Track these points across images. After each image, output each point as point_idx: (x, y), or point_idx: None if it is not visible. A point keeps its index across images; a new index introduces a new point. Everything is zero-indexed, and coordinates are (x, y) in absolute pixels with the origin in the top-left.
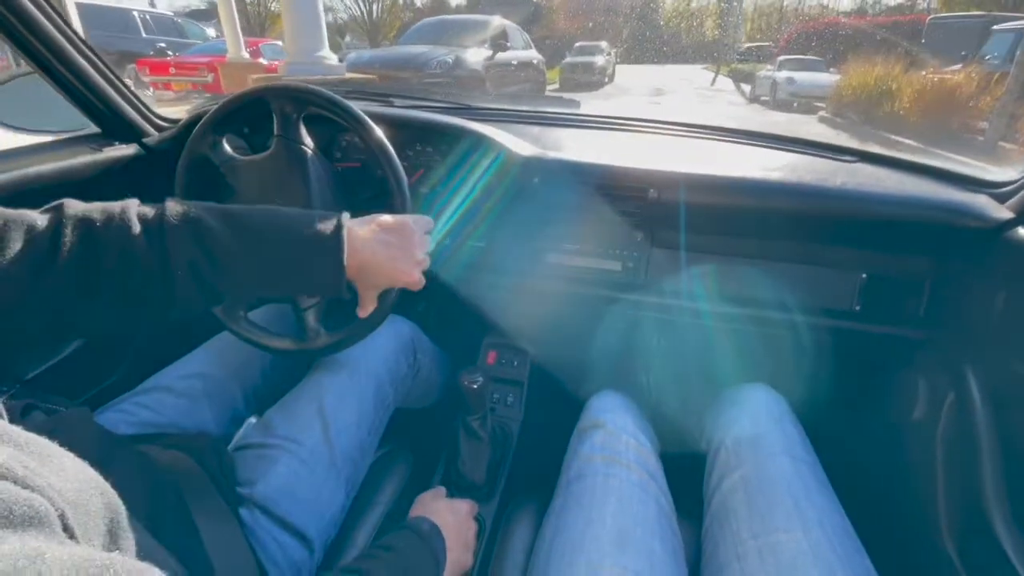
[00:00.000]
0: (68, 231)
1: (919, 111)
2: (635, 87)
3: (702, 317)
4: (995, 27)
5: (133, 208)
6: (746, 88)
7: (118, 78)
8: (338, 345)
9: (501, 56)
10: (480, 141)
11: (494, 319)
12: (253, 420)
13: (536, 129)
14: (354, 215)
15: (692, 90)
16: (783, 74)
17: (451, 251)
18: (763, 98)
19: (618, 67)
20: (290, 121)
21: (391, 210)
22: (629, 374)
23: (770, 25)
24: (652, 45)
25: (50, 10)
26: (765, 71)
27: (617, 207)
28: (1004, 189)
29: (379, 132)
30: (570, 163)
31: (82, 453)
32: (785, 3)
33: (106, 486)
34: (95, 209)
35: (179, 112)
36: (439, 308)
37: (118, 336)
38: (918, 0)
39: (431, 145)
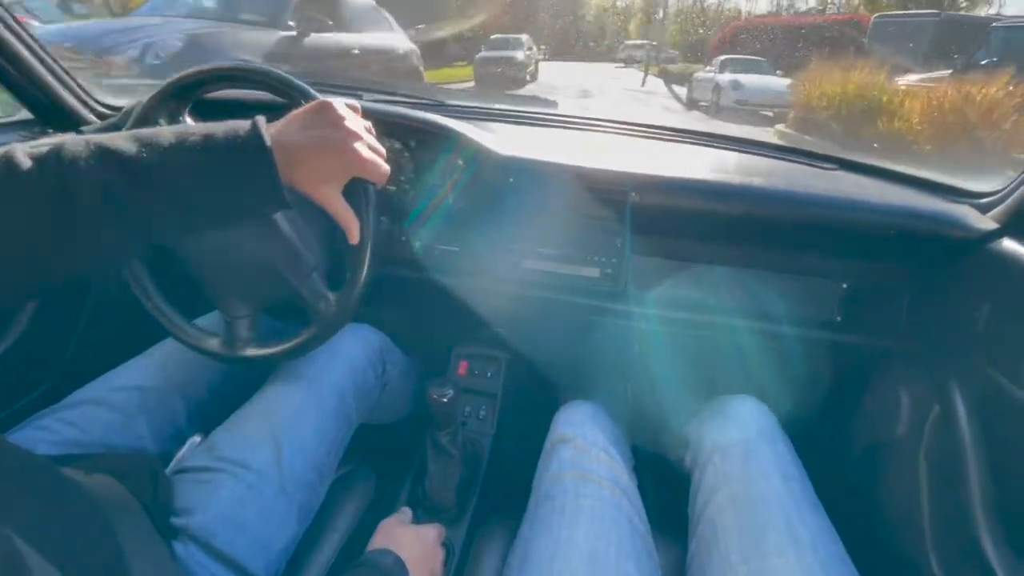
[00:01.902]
0: None
1: (934, 130)
2: (562, 86)
3: (682, 326)
4: (995, 24)
5: (19, 149)
6: (681, 91)
7: (56, 62)
8: (296, 351)
9: (318, 39)
10: (454, 138)
11: (467, 327)
12: (197, 439)
13: (512, 128)
14: None
15: (621, 91)
16: (726, 77)
17: (422, 254)
18: (702, 103)
19: (544, 64)
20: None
21: (359, 253)
22: (607, 383)
23: (694, 26)
24: (579, 42)
25: None
26: (703, 72)
27: (596, 211)
28: (986, 199)
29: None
30: (549, 164)
31: None
32: (706, 3)
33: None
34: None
35: (126, 101)
36: (409, 315)
37: (43, 343)
38: (829, 2)
39: (400, 141)
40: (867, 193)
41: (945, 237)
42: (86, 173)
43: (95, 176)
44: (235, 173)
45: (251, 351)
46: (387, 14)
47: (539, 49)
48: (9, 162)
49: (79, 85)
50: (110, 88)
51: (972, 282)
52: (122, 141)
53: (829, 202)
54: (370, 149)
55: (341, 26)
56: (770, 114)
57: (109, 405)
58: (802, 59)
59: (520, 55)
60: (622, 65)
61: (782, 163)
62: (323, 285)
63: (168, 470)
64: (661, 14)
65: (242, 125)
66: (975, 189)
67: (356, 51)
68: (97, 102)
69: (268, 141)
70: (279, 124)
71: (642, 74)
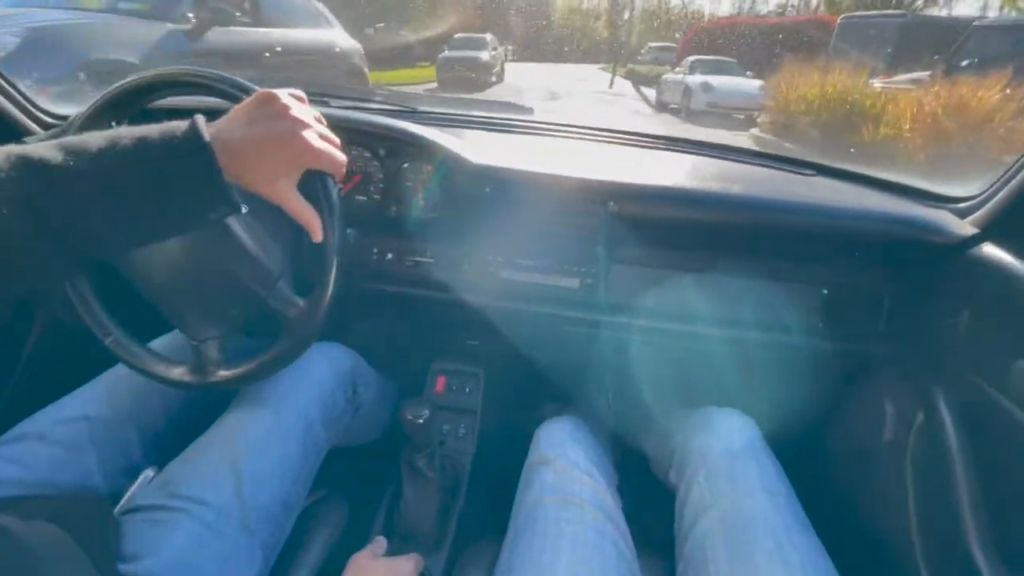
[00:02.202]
0: None
1: (925, 137)
2: (528, 88)
3: (664, 336)
4: (976, 24)
5: None
6: (649, 93)
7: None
8: (256, 374)
9: (223, 34)
10: (426, 146)
11: (444, 341)
12: (150, 473)
13: (487, 135)
14: None
15: (590, 93)
16: (696, 79)
17: (394, 267)
18: (672, 106)
19: (510, 65)
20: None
21: (326, 254)
22: (588, 396)
23: (659, 27)
24: (546, 43)
25: None
26: (672, 74)
27: (574, 220)
28: (965, 204)
29: (336, 228)
30: (525, 173)
31: None
32: (671, 4)
33: None
34: None
35: (73, 109)
36: (383, 331)
37: None
38: (789, 3)
39: (369, 150)
40: (845, 199)
41: (924, 243)
42: (5, 185)
43: (16, 188)
44: (172, 174)
45: (223, 373)
46: (322, 7)
47: (507, 50)
48: None
49: (21, 93)
50: None
51: (952, 287)
52: (45, 149)
53: (807, 209)
54: (321, 138)
55: (256, 19)
56: (742, 117)
57: (54, 439)
58: (771, 60)
59: (485, 55)
60: (596, 66)
61: (760, 169)
62: (291, 292)
63: (118, 509)
64: (627, 15)
65: (179, 125)
66: (953, 194)
67: (278, 49)
68: (41, 111)
69: (207, 138)
70: (220, 121)
71: (609, 75)
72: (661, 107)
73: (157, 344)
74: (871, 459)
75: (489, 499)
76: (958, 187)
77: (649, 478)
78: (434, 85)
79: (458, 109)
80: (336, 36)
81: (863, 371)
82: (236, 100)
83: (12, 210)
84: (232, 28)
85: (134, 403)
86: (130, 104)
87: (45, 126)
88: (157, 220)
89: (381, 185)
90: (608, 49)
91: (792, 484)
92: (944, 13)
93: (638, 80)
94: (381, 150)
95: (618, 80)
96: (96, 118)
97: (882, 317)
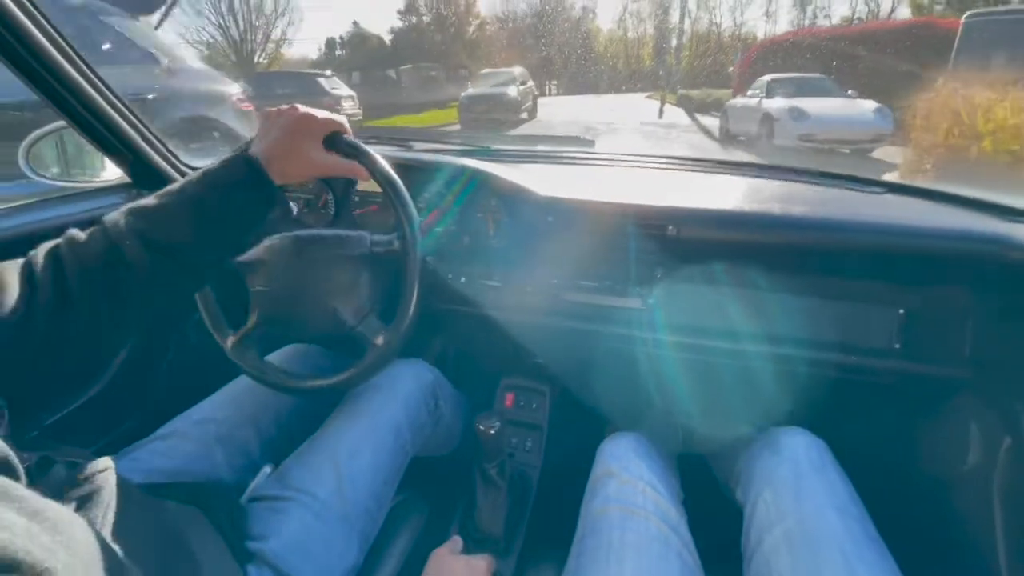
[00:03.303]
0: (47, 266)
1: None
2: (563, 124)
3: (728, 356)
4: None
5: (76, 231)
6: (709, 122)
7: (147, 127)
8: (366, 373)
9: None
10: (495, 182)
11: (512, 359)
12: (268, 469)
13: (551, 168)
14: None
15: (637, 124)
16: (780, 103)
17: (468, 290)
18: (741, 138)
19: (550, 100)
20: None
21: (403, 243)
22: (653, 415)
23: (708, 51)
24: (587, 75)
25: (79, 62)
26: (742, 99)
27: (635, 244)
28: None
29: (384, 163)
30: (585, 202)
31: (98, 514)
32: (723, 27)
33: (113, 557)
34: (63, 238)
35: (208, 162)
36: (457, 349)
37: (133, 381)
38: (856, 14)
39: (447, 188)
40: (918, 216)
41: (1007, 260)
42: (125, 230)
43: (132, 228)
44: (234, 188)
45: (317, 382)
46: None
47: (550, 84)
48: (71, 238)
49: (167, 148)
50: None
51: None
52: (145, 199)
53: (878, 228)
54: (313, 112)
55: None
56: (847, 151)
57: (190, 437)
58: (869, 74)
59: (512, 91)
60: (643, 94)
61: (828, 190)
62: (379, 322)
63: (243, 497)
64: (675, 41)
65: (233, 155)
66: None
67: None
68: (184, 164)
69: (249, 149)
70: (253, 145)
71: (657, 104)
72: (728, 139)
73: (271, 357)
74: (955, 485)
75: (556, 509)
76: None
77: (716, 496)
78: (458, 127)
79: (525, 146)
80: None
81: (946, 395)
82: None
83: (133, 246)
84: None
85: (254, 409)
86: None
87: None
88: (232, 226)
89: (457, 218)
90: (654, 76)
91: (868, 506)
92: None
93: (691, 107)
94: (457, 187)
95: (668, 108)
96: None
97: (967, 339)
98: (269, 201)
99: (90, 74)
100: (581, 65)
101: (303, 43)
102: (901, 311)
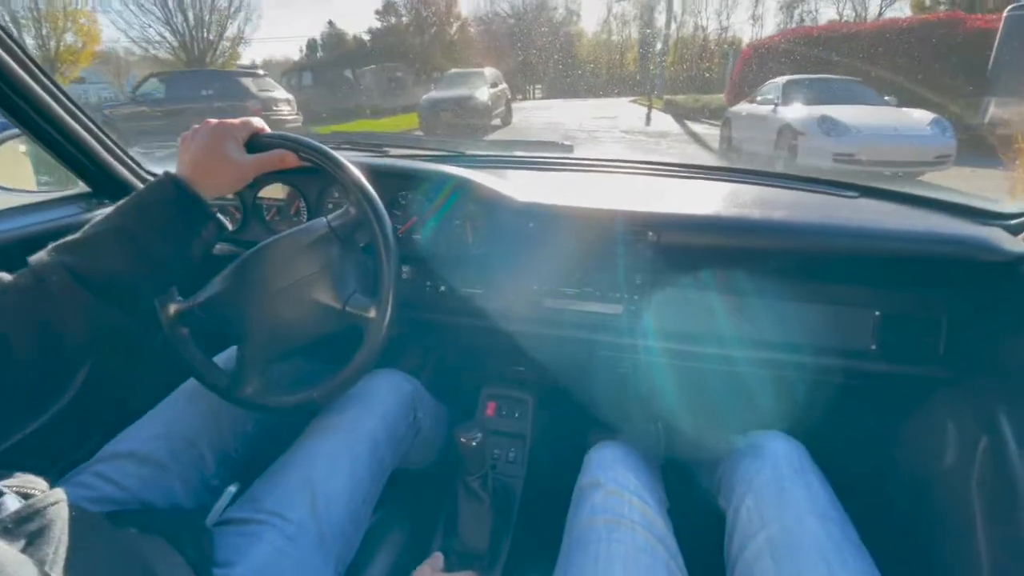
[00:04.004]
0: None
1: None
2: (540, 131)
3: (709, 361)
4: None
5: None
6: (703, 131)
7: (108, 136)
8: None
9: None
10: (473, 188)
11: (493, 368)
12: (232, 489)
13: (530, 174)
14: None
15: (620, 134)
16: (802, 111)
17: (447, 299)
18: (750, 152)
19: (530, 104)
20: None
21: (359, 207)
22: (636, 422)
23: (691, 55)
24: (569, 78)
25: (35, 69)
26: (748, 105)
27: (615, 250)
28: (1016, 220)
29: (352, 168)
30: (565, 208)
31: (49, 552)
32: (708, 31)
33: None
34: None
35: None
36: (436, 359)
37: (89, 404)
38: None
39: (423, 193)
40: (891, 220)
41: (976, 261)
42: (49, 264)
43: (57, 264)
44: (160, 210)
45: (313, 393)
46: None
47: (534, 88)
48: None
49: (128, 155)
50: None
51: (1010, 306)
52: (73, 233)
53: (852, 232)
54: (227, 120)
55: None
56: (887, 174)
57: (141, 458)
58: (902, 74)
59: (481, 94)
60: (626, 99)
61: (803, 194)
62: (366, 299)
63: (210, 521)
64: (659, 45)
65: (157, 178)
66: (1003, 211)
67: None
68: (148, 172)
69: (174, 171)
70: (178, 166)
71: (644, 110)
72: (732, 153)
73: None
74: (933, 485)
75: (541, 521)
76: (1007, 202)
77: (699, 503)
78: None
79: (502, 151)
80: None
81: (923, 395)
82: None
83: (60, 277)
84: None
85: (202, 420)
86: None
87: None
88: (161, 247)
89: (435, 224)
90: (639, 80)
91: (849, 509)
92: None
93: (679, 113)
94: (434, 193)
95: (656, 114)
96: None
97: (941, 339)
98: (199, 218)
99: (46, 81)
100: (563, 69)
101: (288, 43)
102: (877, 313)
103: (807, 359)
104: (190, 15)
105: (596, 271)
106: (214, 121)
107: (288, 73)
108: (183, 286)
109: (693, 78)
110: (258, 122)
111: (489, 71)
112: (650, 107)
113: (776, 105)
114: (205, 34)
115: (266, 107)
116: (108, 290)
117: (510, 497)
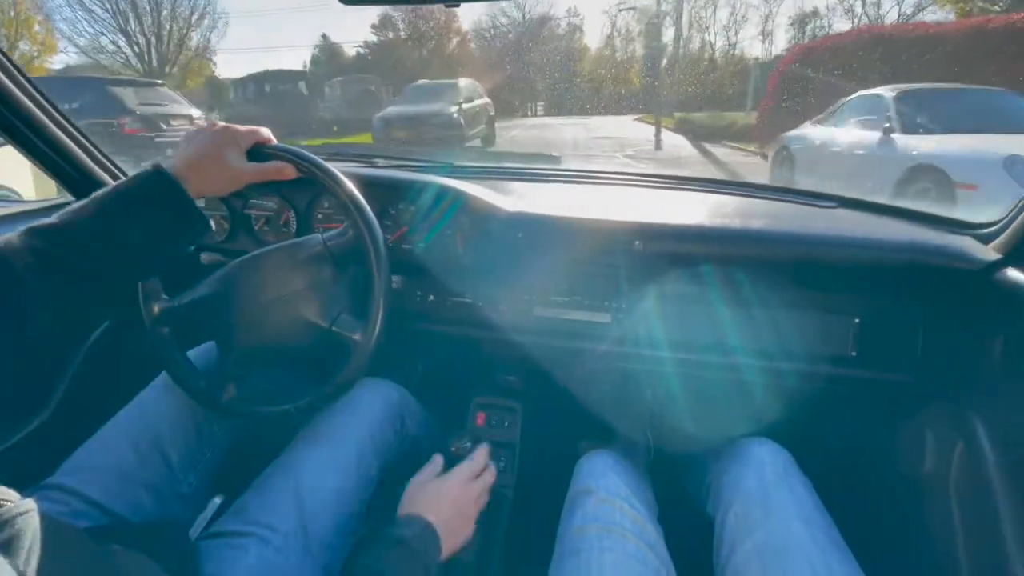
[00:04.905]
0: None
1: None
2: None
3: (696, 368)
4: None
5: None
6: (730, 158)
7: (93, 144)
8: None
9: None
10: (462, 199)
11: (483, 377)
12: (217, 501)
13: (518, 185)
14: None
15: (624, 158)
16: (953, 143)
17: (437, 308)
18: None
19: (531, 121)
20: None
21: (356, 229)
22: (626, 429)
23: (697, 74)
24: (569, 95)
25: (20, 77)
26: (824, 129)
27: (603, 259)
28: (987, 230)
29: (350, 185)
30: (553, 218)
31: (19, 562)
32: (717, 48)
33: None
34: None
35: None
36: (426, 368)
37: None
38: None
39: (413, 204)
40: (867, 229)
41: (948, 269)
42: (17, 246)
43: (24, 245)
44: (139, 198)
45: (296, 402)
46: None
47: (536, 106)
48: None
49: (110, 161)
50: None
51: (983, 314)
52: (47, 217)
53: (828, 241)
54: (234, 125)
55: None
56: None
57: (103, 470)
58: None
59: (450, 109)
60: (630, 117)
61: (782, 204)
62: (354, 320)
63: (193, 534)
64: (665, 62)
65: (145, 169)
66: (975, 220)
67: None
68: (119, 170)
69: (167, 170)
70: (171, 161)
71: (651, 129)
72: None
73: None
74: (912, 489)
75: (531, 529)
76: (980, 213)
77: (688, 509)
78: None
79: (492, 163)
80: None
81: (901, 400)
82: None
83: (27, 261)
84: None
85: (170, 424)
86: None
87: None
88: (137, 237)
89: (425, 235)
90: (644, 96)
91: (831, 512)
92: None
93: (697, 133)
94: (424, 204)
95: (667, 135)
96: None
97: (918, 345)
98: (183, 212)
99: (28, 87)
100: (565, 86)
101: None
102: (856, 320)
103: (790, 365)
104: (146, 21)
105: (584, 280)
106: (221, 124)
107: (235, 83)
108: (168, 286)
109: (709, 96)
110: (265, 132)
111: (465, 83)
112: (658, 126)
113: (890, 130)
114: (162, 44)
115: (150, 126)
116: (77, 277)
117: (500, 505)
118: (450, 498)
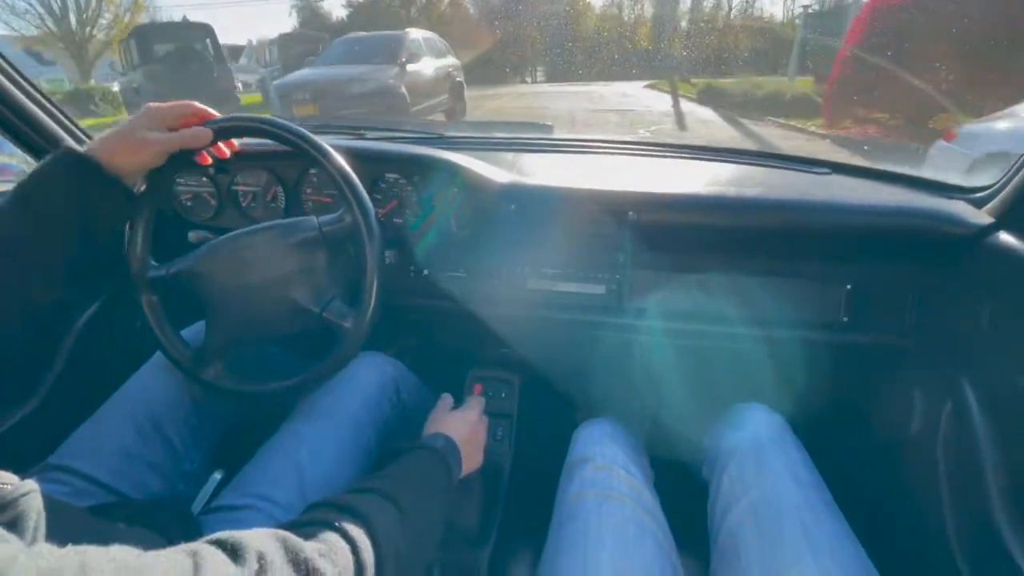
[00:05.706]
0: None
1: None
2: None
3: (690, 337)
4: None
5: None
6: (771, 134)
7: (58, 109)
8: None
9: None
10: (453, 170)
11: (479, 350)
12: (218, 476)
13: (510, 156)
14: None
15: (633, 141)
16: None
17: (430, 282)
18: None
19: (522, 89)
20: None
21: (359, 239)
22: (621, 399)
23: (709, 36)
24: (576, 60)
25: None
26: None
27: (596, 230)
28: (981, 194)
29: (339, 159)
30: (546, 189)
31: (29, 541)
32: (734, 7)
33: None
34: None
35: None
36: (422, 342)
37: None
38: None
39: (404, 176)
40: (860, 195)
41: (942, 234)
42: None
43: None
44: (51, 174)
45: (284, 382)
46: None
47: (530, 72)
48: None
49: (75, 124)
50: None
51: (974, 277)
52: None
53: (823, 207)
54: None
55: None
56: None
57: (105, 450)
58: None
59: (387, 74)
60: (640, 83)
61: (776, 171)
62: (345, 307)
63: (195, 509)
64: (684, 22)
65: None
66: (969, 184)
67: None
68: (90, 138)
69: (78, 149)
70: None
71: (666, 97)
72: None
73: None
74: (902, 449)
75: (530, 497)
76: (974, 177)
77: (684, 476)
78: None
79: (482, 132)
80: None
81: (891, 364)
82: (273, 138)
83: None
84: None
85: (169, 400)
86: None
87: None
88: (57, 210)
89: (416, 208)
90: (654, 59)
91: (824, 475)
92: None
93: (727, 103)
94: (415, 176)
95: (688, 106)
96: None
97: (908, 310)
98: (95, 188)
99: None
100: (566, 48)
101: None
102: (848, 286)
103: (783, 332)
104: None
105: (578, 251)
106: (153, 105)
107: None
108: (158, 253)
109: (707, 61)
110: (197, 106)
111: (418, 35)
112: (675, 94)
113: None
114: (88, 15)
115: None
116: (2, 253)
117: (499, 475)
118: (469, 423)
